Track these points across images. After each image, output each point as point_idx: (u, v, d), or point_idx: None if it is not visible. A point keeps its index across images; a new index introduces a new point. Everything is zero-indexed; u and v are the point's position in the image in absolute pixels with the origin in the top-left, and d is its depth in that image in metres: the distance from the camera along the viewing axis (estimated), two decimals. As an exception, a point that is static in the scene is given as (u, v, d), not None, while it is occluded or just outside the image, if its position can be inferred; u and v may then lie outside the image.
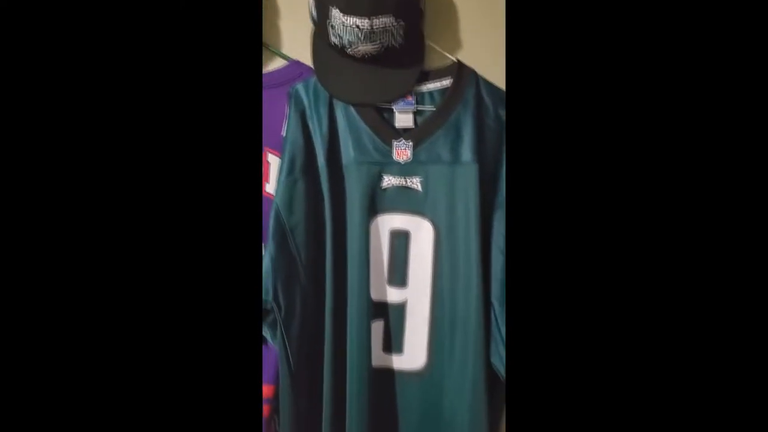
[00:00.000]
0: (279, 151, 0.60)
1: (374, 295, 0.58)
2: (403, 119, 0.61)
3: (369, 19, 0.52)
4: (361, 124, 0.59)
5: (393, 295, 0.59)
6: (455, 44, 0.65)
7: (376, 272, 0.59)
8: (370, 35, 0.53)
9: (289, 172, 0.56)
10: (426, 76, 0.61)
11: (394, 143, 0.59)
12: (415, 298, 0.59)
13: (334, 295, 0.56)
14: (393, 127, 0.60)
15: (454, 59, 0.62)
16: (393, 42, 0.55)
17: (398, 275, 0.59)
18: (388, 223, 0.59)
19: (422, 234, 0.59)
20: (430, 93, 0.61)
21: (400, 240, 0.59)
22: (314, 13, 0.58)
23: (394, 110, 0.60)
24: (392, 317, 0.59)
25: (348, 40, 0.55)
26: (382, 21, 0.52)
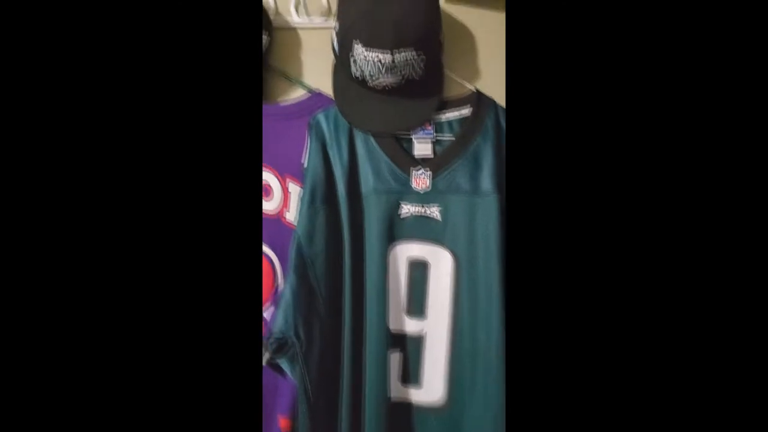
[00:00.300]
0: (300, 179, 0.62)
1: (392, 326, 0.58)
2: (422, 148, 0.61)
3: (391, 53, 0.53)
4: (381, 154, 0.59)
5: (411, 326, 0.58)
6: (474, 73, 0.65)
7: (394, 302, 0.58)
8: (391, 68, 0.54)
9: (310, 203, 0.57)
10: (445, 105, 0.61)
11: (413, 172, 0.59)
12: (434, 330, 0.58)
13: (353, 325, 0.56)
14: (412, 156, 0.60)
15: (473, 88, 0.62)
16: (413, 74, 0.56)
17: (417, 306, 0.58)
18: (406, 251, 0.58)
19: (441, 264, 0.58)
20: (449, 122, 0.61)
21: (419, 270, 0.58)
22: (336, 45, 0.60)
23: (413, 139, 0.61)
24: (410, 348, 0.58)
25: (369, 72, 0.56)
26: (403, 55, 0.53)
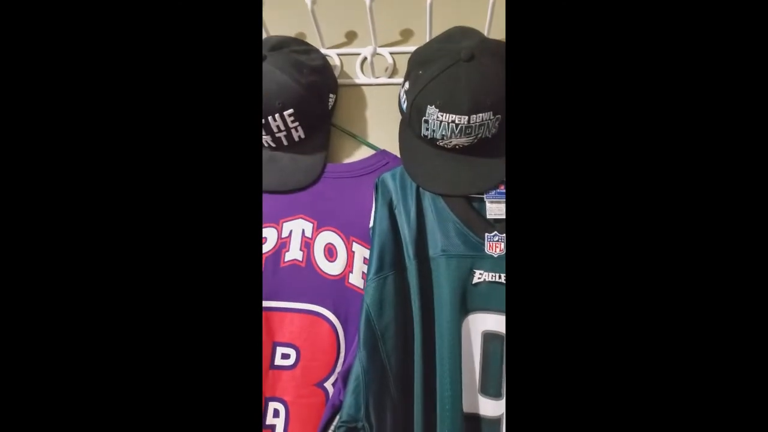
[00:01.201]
0: (363, 240, 0.59)
1: (466, 407, 0.52)
2: (495, 209, 0.57)
3: (468, 116, 0.51)
4: (450, 215, 0.56)
5: (487, 407, 0.52)
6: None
7: (468, 380, 0.53)
8: (466, 130, 0.52)
9: (378, 269, 0.54)
10: (519, 165, 0.58)
11: (487, 236, 0.55)
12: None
13: (424, 406, 0.51)
14: (484, 217, 0.56)
15: (549, 146, 0.59)
16: (487, 134, 0.54)
17: (493, 385, 0.53)
18: (480, 323, 0.53)
19: (520, 338, 0.53)
20: (525, 182, 0.58)
21: (494, 344, 0.53)
22: (405, 105, 0.59)
23: (485, 200, 0.57)
24: (487, 434, 0.52)
25: (442, 134, 0.54)
26: (480, 117, 0.51)
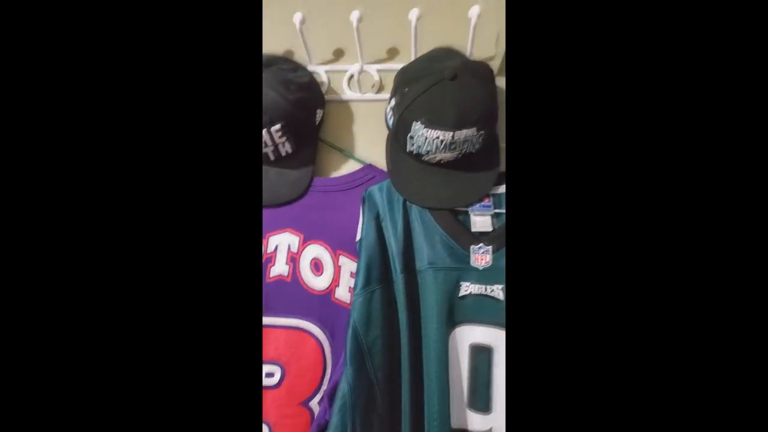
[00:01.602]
0: (351, 253, 0.59)
1: (454, 422, 0.52)
2: (481, 222, 0.58)
3: (453, 132, 0.52)
4: (437, 228, 0.57)
5: (475, 422, 0.52)
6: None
7: (456, 394, 0.52)
8: (450, 145, 0.53)
9: (365, 284, 0.54)
10: (503, 178, 0.59)
11: (472, 248, 0.56)
12: (502, 427, 0.51)
13: (412, 421, 0.50)
14: (470, 231, 0.57)
15: (532, 161, 0.60)
16: (471, 149, 0.55)
17: (481, 398, 0.52)
18: (467, 336, 0.54)
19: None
20: (509, 195, 0.59)
21: (482, 356, 0.53)
22: (391, 120, 0.60)
23: (470, 213, 0.58)
24: (475, 449, 0.52)
25: (427, 149, 0.55)
26: (464, 133, 0.52)
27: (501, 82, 0.67)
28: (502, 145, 0.62)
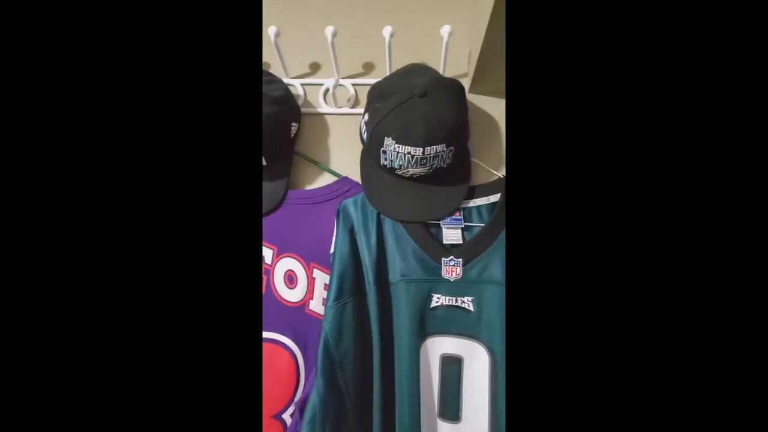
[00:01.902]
0: (325, 266, 0.60)
1: (424, 431, 0.53)
2: (451, 235, 0.60)
3: (423, 148, 0.54)
4: (409, 241, 0.58)
5: (446, 431, 0.53)
6: (501, 160, 0.66)
7: (426, 404, 0.53)
8: (421, 161, 0.55)
9: (337, 296, 0.55)
10: (473, 192, 0.61)
11: (443, 260, 0.57)
12: (471, 436, 0.53)
13: (386, 429, 0.51)
14: (441, 243, 0.59)
15: (501, 175, 0.63)
16: (442, 164, 0.56)
17: (451, 408, 0.54)
18: (438, 347, 0.55)
19: (477, 360, 0.54)
20: (478, 208, 0.60)
21: (452, 367, 0.55)
22: (364, 135, 0.61)
23: (442, 226, 0.60)
24: (445, 457, 0.53)
25: (399, 164, 0.56)
26: (434, 149, 0.54)
27: (474, 98, 0.70)
28: (474, 159, 0.64)
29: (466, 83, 0.65)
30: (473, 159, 0.63)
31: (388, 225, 0.59)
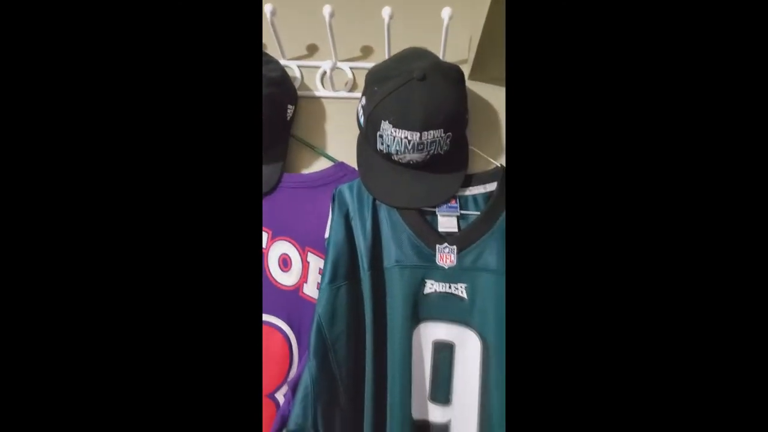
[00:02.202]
0: (320, 251, 0.60)
1: (415, 414, 0.54)
2: (447, 223, 0.60)
3: (420, 133, 0.53)
4: (404, 227, 0.58)
5: (436, 413, 0.54)
6: (499, 149, 0.66)
7: (418, 387, 0.54)
8: (418, 146, 0.54)
9: (332, 279, 0.55)
10: (470, 181, 0.61)
11: (438, 247, 0.57)
12: (461, 419, 0.54)
13: (374, 414, 0.52)
14: (436, 231, 0.59)
15: (499, 164, 0.62)
16: (439, 150, 0.56)
17: (441, 392, 0.55)
18: (431, 332, 0.56)
19: (468, 347, 0.55)
20: (474, 197, 0.60)
21: (444, 352, 0.55)
22: (362, 120, 0.60)
23: (437, 214, 0.60)
24: (434, 439, 0.54)
25: (396, 149, 0.56)
26: (431, 134, 0.54)
27: (474, 86, 0.69)
28: (472, 147, 0.64)
29: (466, 70, 0.65)
30: (471, 147, 0.63)
31: (383, 211, 0.59)
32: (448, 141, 0.56)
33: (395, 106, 0.53)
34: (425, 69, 0.53)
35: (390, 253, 0.57)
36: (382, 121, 0.54)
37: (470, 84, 0.67)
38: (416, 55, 0.57)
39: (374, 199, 0.59)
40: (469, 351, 0.55)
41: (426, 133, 0.53)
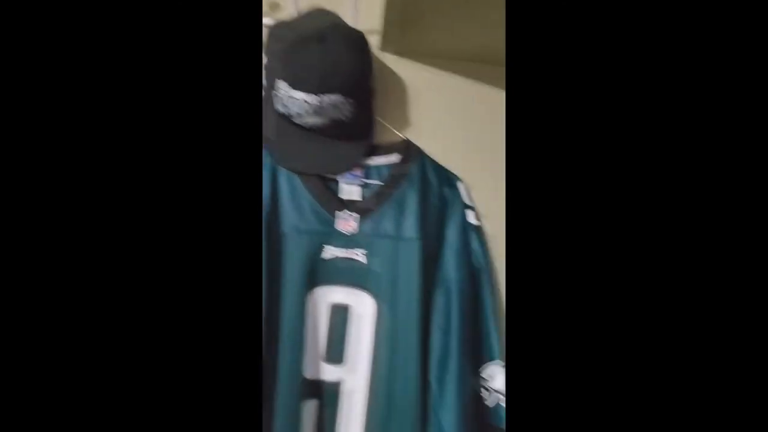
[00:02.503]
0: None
1: (309, 374, 0.55)
2: (350, 191, 0.61)
3: (317, 95, 0.53)
4: (305, 193, 0.58)
5: (328, 372, 0.56)
6: (405, 122, 0.67)
7: (312, 349, 0.56)
8: (318, 110, 0.54)
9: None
10: (374, 151, 0.62)
11: (338, 214, 0.58)
12: (352, 377, 0.56)
13: (269, 378, 0.52)
14: (337, 197, 0.59)
15: (403, 137, 0.64)
16: (341, 116, 0.56)
17: (335, 352, 0.57)
18: (328, 296, 0.57)
19: (363, 308, 0.57)
20: (378, 168, 0.62)
21: (340, 314, 0.57)
22: (264, 80, 0.58)
23: (340, 181, 0.60)
24: (327, 397, 0.56)
25: (296, 111, 0.55)
26: (330, 98, 0.53)
27: (384, 57, 0.70)
28: (379, 119, 0.65)
29: (375, 41, 0.65)
30: (378, 118, 0.64)
31: (283, 175, 0.58)
32: (349, 107, 0.56)
33: (291, 66, 0.52)
34: (324, 30, 0.52)
35: (288, 218, 0.57)
36: (280, 81, 0.53)
37: (383, 55, 0.67)
38: (319, 15, 0.56)
39: (274, 164, 0.58)
40: (364, 313, 0.57)
41: (324, 96, 0.53)
